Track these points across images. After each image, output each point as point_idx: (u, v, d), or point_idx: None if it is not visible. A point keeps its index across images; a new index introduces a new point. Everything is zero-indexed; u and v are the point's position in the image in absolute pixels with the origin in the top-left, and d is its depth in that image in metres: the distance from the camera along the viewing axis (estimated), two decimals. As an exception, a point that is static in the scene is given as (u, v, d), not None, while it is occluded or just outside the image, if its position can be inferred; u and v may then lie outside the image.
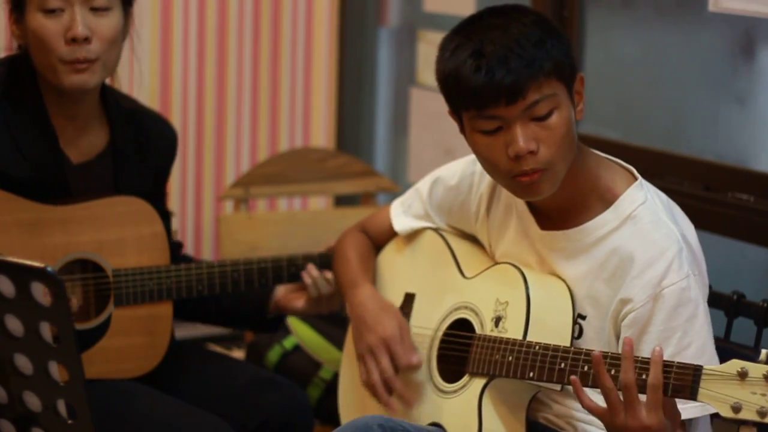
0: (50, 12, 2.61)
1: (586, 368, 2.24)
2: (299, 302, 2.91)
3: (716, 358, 2.30)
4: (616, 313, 2.33)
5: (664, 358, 2.22)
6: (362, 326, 2.60)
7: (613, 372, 2.19)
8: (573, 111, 2.33)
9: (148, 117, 2.88)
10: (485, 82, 2.26)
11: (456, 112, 2.37)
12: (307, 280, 2.87)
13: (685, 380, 2.12)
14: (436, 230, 2.67)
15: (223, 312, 2.97)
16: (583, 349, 2.28)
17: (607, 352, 2.23)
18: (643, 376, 2.15)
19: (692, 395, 2.10)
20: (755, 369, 2.04)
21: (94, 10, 2.63)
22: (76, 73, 2.62)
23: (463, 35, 2.33)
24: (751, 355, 2.49)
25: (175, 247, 2.95)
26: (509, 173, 2.32)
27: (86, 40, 2.61)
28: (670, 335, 2.27)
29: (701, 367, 2.10)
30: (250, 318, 2.98)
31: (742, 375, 2.05)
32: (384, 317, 2.58)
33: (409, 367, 2.54)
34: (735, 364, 2.07)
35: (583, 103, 2.37)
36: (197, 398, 2.77)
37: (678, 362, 2.13)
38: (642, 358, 2.17)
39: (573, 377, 2.21)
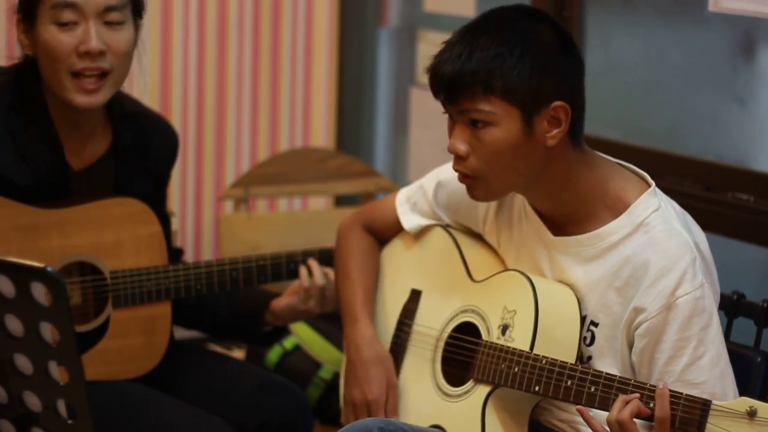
0: (64, 25, 2.59)
1: (593, 389, 2.24)
2: (292, 295, 2.88)
3: (730, 368, 2.30)
4: (630, 322, 2.32)
5: (679, 368, 2.22)
6: (351, 375, 2.61)
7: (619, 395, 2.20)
8: (526, 135, 2.30)
9: (151, 119, 2.87)
10: (433, 72, 2.35)
11: None
12: (302, 270, 2.85)
13: (693, 414, 2.11)
14: (445, 228, 2.66)
15: (218, 323, 2.96)
16: (590, 369, 2.28)
17: (614, 375, 2.24)
18: (651, 405, 2.15)
19: (699, 430, 2.10)
20: (764, 409, 2.03)
21: (108, 24, 2.61)
22: (85, 94, 2.61)
23: (463, 28, 2.37)
24: (751, 356, 2.50)
25: (176, 255, 2.95)
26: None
27: (100, 53, 2.60)
28: (684, 345, 2.26)
29: (710, 402, 2.10)
30: (245, 329, 2.97)
31: (751, 414, 2.04)
32: (373, 373, 2.58)
33: None
34: (744, 402, 2.06)
35: (561, 132, 2.32)
36: (197, 398, 2.77)
37: (686, 395, 2.13)
38: (650, 386, 2.18)
39: (579, 407, 2.22)
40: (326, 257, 2.88)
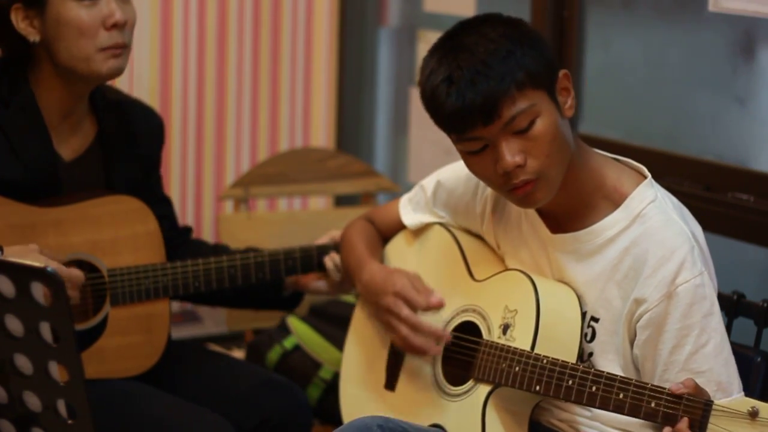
0: (85, 1, 2.64)
1: (594, 389, 2.24)
2: (320, 283, 2.95)
3: (733, 357, 2.30)
4: (630, 315, 2.32)
5: (683, 357, 2.22)
6: (374, 295, 2.59)
7: (621, 396, 2.19)
8: (559, 113, 2.32)
9: (134, 106, 2.91)
10: (458, 107, 2.27)
11: (444, 131, 2.37)
12: (329, 264, 2.90)
13: (695, 414, 2.11)
14: (445, 226, 2.66)
15: (239, 293, 2.97)
16: (591, 368, 2.28)
17: (615, 375, 2.23)
18: (652, 404, 2.15)
19: (701, 430, 2.10)
20: (766, 409, 2.03)
21: None
22: (114, 58, 2.66)
23: (437, 58, 2.32)
24: (751, 356, 2.50)
25: (184, 233, 2.97)
26: (503, 187, 2.33)
27: (125, 25, 2.67)
28: (687, 333, 2.27)
29: (711, 402, 2.10)
30: (266, 295, 2.98)
31: (753, 414, 2.04)
32: (392, 277, 2.58)
33: (430, 307, 2.54)
34: (746, 402, 2.06)
35: (572, 98, 2.36)
36: (196, 398, 2.78)
37: (688, 394, 2.13)
38: (651, 386, 2.17)
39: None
40: (325, 253, 2.91)
